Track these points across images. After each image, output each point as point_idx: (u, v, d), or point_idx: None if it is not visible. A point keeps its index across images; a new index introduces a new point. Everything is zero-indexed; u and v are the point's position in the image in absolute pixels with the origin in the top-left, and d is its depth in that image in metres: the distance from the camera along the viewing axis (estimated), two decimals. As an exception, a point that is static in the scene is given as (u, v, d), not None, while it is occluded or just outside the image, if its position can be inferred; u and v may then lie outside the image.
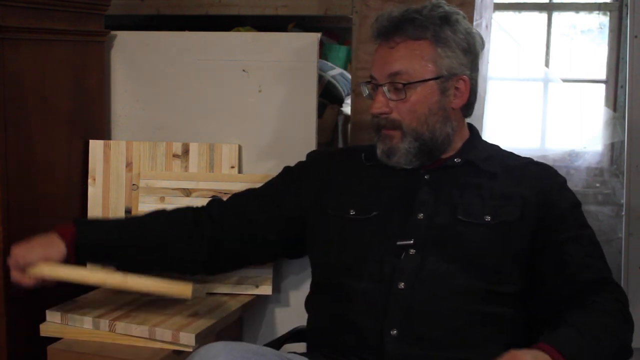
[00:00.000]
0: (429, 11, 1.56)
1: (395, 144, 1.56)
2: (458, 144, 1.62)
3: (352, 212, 1.59)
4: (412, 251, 1.50)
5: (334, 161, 1.72)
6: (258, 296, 1.99)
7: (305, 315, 1.65)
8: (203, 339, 1.68)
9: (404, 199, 1.57)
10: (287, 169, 1.80)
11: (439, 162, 1.60)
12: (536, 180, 1.56)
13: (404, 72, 1.54)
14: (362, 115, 2.08)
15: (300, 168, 1.77)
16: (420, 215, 1.53)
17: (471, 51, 1.58)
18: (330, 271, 1.52)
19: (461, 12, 1.59)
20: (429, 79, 1.54)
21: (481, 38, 1.62)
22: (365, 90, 1.65)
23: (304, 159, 1.80)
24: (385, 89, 1.55)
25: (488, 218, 1.51)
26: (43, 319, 1.80)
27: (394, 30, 1.56)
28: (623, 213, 3.41)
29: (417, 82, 1.53)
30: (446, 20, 1.55)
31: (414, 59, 1.54)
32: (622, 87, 3.65)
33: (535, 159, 1.65)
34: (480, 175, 1.57)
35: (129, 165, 2.09)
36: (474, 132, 1.66)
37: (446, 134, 1.58)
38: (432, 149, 1.58)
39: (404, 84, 1.53)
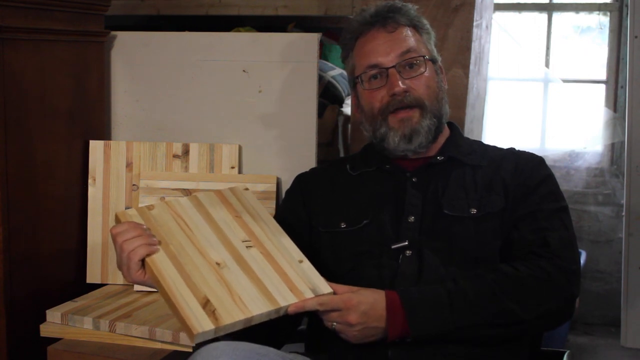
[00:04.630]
0: (404, 4, 1.63)
1: (415, 125, 1.56)
2: (440, 141, 1.64)
3: (343, 225, 1.59)
4: (408, 252, 1.51)
5: (319, 179, 1.71)
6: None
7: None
8: (203, 339, 1.68)
9: (393, 203, 1.57)
10: (281, 205, 1.78)
11: (422, 161, 1.61)
12: (515, 163, 1.59)
13: (413, 49, 1.58)
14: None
15: (288, 198, 1.75)
16: (411, 218, 1.54)
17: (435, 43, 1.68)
18: (329, 280, 1.51)
19: None
20: (430, 59, 1.61)
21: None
22: (364, 82, 1.60)
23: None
24: (397, 69, 1.56)
25: (474, 211, 1.52)
26: (43, 319, 1.80)
27: (389, 16, 1.60)
28: (623, 213, 3.41)
29: (428, 58, 1.60)
30: (418, 12, 1.64)
31: (414, 40, 1.60)
32: (622, 87, 3.65)
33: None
34: (464, 169, 1.59)
35: (129, 165, 2.09)
36: (455, 130, 1.69)
37: (447, 115, 1.63)
38: (440, 130, 1.61)
39: (424, 57, 1.58)
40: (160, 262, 1.41)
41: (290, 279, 1.43)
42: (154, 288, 1.43)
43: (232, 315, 1.33)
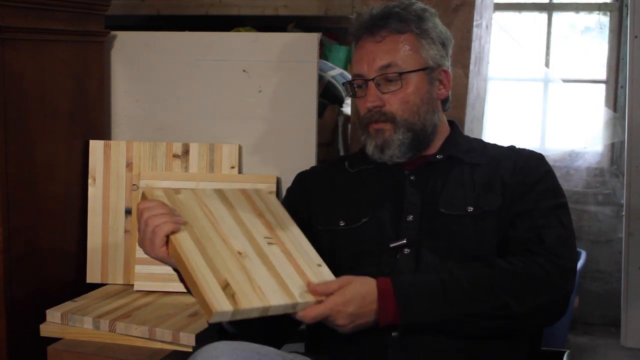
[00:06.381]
0: (407, 6, 1.60)
1: (388, 137, 1.56)
2: (440, 140, 1.64)
3: (342, 224, 1.60)
4: (406, 250, 1.51)
5: (320, 178, 1.72)
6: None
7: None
8: (203, 339, 1.68)
9: (391, 202, 1.57)
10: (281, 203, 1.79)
11: (422, 159, 1.61)
12: (514, 161, 1.59)
13: (394, 63, 1.56)
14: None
15: (288, 197, 1.75)
16: (410, 217, 1.54)
17: (446, 45, 1.63)
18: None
19: (433, 9, 1.63)
20: (419, 69, 1.57)
21: (450, 34, 1.66)
22: (350, 90, 1.63)
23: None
24: (375, 82, 1.56)
25: (470, 209, 1.52)
26: (43, 319, 1.80)
27: (379, 25, 1.58)
28: (623, 213, 3.41)
29: (410, 71, 1.56)
30: (424, 14, 1.60)
31: (402, 51, 1.57)
32: (622, 87, 3.65)
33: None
34: (462, 168, 1.59)
35: (129, 165, 2.09)
36: (455, 128, 1.68)
37: (434, 125, 1.61)
38: (423, 140, 1.59)
39: (400, 73, 1.55)
40: (184, 241, 1.40)
41: (308, 279, 1.43)
42: (174, 267, 1.42)
43: (251, 301, 1.33)
